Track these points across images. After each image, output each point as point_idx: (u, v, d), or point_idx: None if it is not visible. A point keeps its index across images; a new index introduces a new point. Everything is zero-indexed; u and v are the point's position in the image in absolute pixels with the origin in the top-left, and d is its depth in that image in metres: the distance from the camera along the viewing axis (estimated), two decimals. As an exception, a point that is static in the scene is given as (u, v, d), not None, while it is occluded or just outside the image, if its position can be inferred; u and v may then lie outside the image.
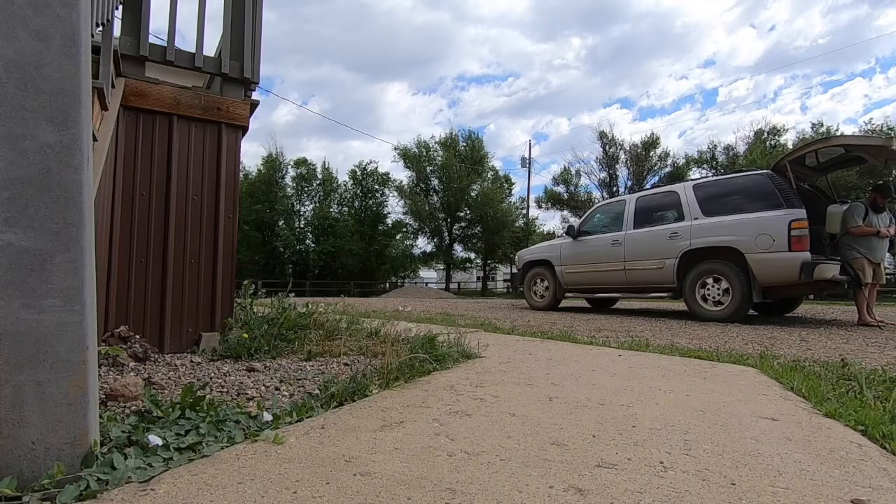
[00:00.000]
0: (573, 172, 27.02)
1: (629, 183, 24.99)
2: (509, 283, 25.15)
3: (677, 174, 24.20)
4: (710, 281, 5.22)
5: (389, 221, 32.51)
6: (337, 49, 79.64)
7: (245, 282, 2.52)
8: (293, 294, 2.60)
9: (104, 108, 1.73)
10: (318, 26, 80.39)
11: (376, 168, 32.29)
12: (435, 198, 30.68)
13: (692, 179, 5.83)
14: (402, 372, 1.61)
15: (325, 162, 33.18)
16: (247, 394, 1.39)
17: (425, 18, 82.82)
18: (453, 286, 30.52)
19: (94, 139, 1.53)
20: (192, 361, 1.86)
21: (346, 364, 1.88)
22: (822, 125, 22.83)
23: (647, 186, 21.30)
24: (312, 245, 30.64)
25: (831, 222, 5.01)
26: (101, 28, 1.62)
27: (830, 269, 4.60)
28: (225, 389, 1.44)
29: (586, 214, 6.83)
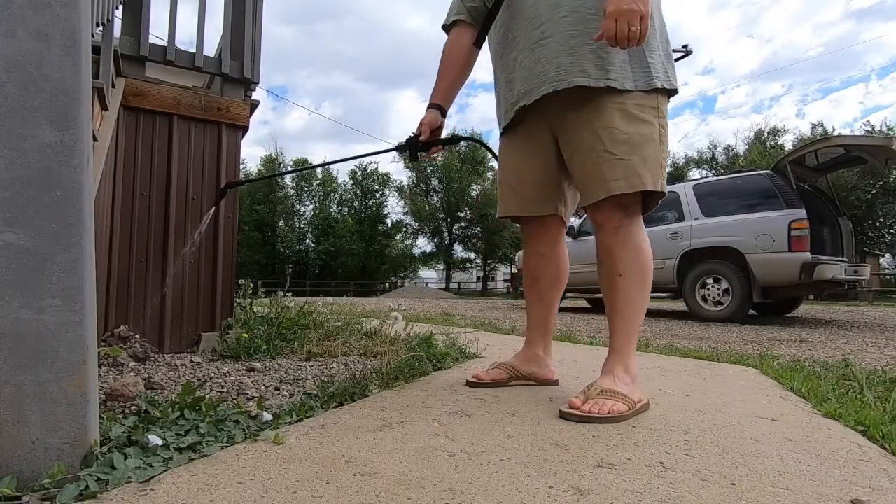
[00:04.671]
0: (573, 173, 26.97)
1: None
2: (509, 284, 25.14)
3: (677, 174, 24.19)
4: (710, 281, 5.22)
5: (389, 221, 32.52)
6: (347, 62, 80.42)
7: (243, 281, 2.51)
8: (291, 293, 2.60)
9: (104, 108, 1.73)
10: (329, 41, 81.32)
11: (376, 168, 32.31)
12: (435, 198, 30.68)
13: (692, 180, 5.84)
14: (402, 372, 1.61)
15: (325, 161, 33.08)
16: (247, 394, 1.39)
17: (431, 33, 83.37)
18: (453, 286, 30.51)
19: (95, 139, 1.53)
20: (192, 361, 1.86)
21: (345, 364, 1.88)
22: (821, 125, 22.85)
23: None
24: (312, 245, 30.65)
25: None
26: (101, 28, 1.62)
27: (831, 270, 4.60)
28: (225, 389, 1.44)
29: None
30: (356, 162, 32.89)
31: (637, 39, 1.14)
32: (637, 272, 1.32)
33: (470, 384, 1.55)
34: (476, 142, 1.64)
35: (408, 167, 30.25)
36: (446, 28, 1.64)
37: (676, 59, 1.52)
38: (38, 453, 0.73)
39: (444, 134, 1.63)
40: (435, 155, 1.71)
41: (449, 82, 1.62)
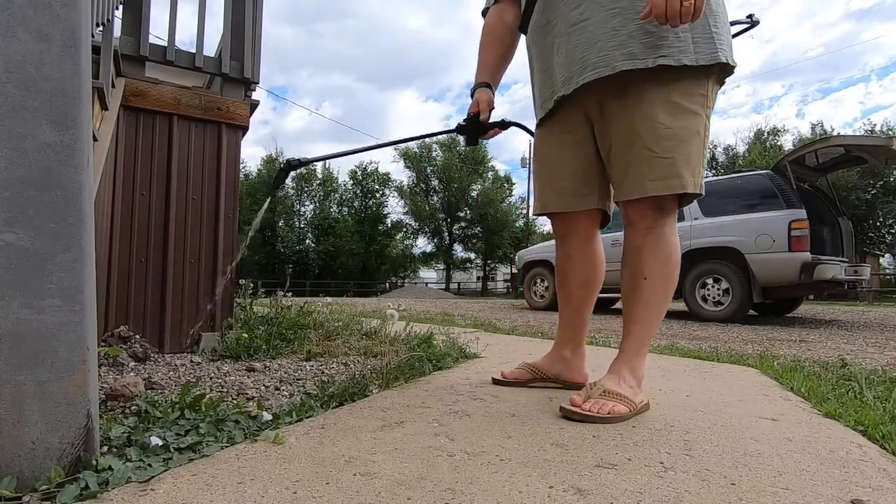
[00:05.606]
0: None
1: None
2: (509, 284, 25.14)
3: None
4: (710, 281, 5.22)
5: (389, 221, 32.49)
6: (347, 62, 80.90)
7: (243, 281, 2.52)
8: (291, 293, 2.60)
9: (104, 108, 1.73)
10: (329, 41, 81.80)
11: (376, 168, 32.30)
12: (435, 198, 30.67)
13: None
14: (402, 372, 1.61)
15: (325, 162, 33.17)
16: (247, 394, 1.39)
17: (431, 34, 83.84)
18: (453, 286, 30.50)
19: (95, 139, 1.53)
20: (192, 361, 1.86)
21: (345, 364, 1.88)
22: (821, 125, 22.89)
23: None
24: (312, 245, 30.63)
25: None
26: (101, 28, 1.62)
27: (831, 270, 4.60)
28: (225, 389, 1.44)
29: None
30: (356, 162, 32.88)
31: (690, 16, 1.02)
32: (662, 276, 1.25)
33: (494, 381, 1.58)
34: (529, 131, 1.56)
35: (408, 167, 30.23)
36: (486, 12, 1.55)
37: (738, 34, 1.33)
38: (38, 453, 0.73)
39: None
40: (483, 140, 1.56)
41: (495, 58, 1.50)
